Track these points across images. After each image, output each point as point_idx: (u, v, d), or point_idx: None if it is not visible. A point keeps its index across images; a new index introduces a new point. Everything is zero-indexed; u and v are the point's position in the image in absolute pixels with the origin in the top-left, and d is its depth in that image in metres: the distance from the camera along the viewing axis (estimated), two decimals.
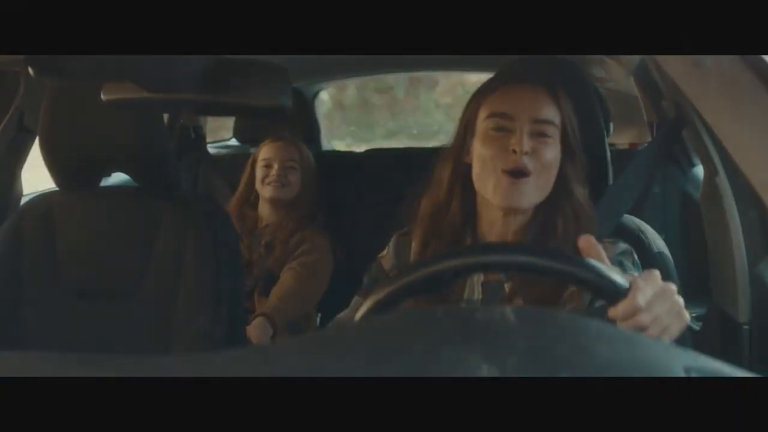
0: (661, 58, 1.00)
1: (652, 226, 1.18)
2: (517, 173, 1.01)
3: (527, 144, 1.01)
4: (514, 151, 1.01)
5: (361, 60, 2.38)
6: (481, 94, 1.09)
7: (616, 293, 0.78)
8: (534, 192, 1.03)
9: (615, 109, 2.15)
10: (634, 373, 0.43)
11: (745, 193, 1.07)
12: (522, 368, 0.41)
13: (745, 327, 1.11)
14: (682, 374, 0.43)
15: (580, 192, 1.06)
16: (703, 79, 0.93)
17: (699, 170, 1.42)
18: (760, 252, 1.11)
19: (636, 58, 1.65)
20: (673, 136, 1.27)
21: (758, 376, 0.46)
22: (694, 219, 1.35)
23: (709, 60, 0.82)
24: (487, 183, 1.04)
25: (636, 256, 1.04)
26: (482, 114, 1.06)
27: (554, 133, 1.04)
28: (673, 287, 0.81)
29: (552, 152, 1.04)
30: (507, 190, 1.02)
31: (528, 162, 1.01)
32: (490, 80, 1.10)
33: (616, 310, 0.77)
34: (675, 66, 1.00)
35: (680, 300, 0.81)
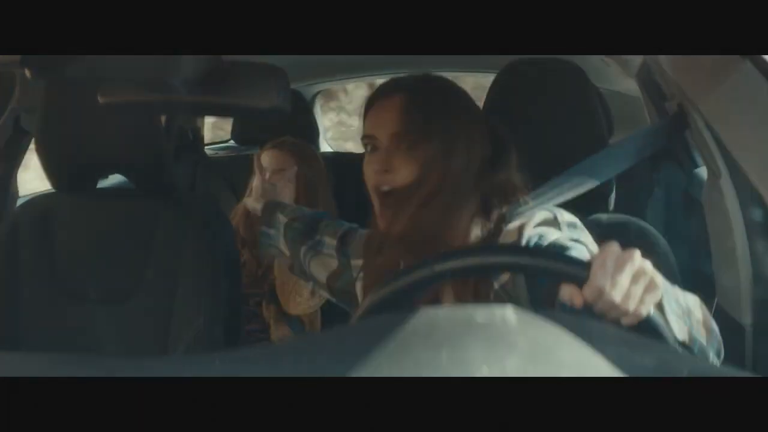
0: (664, 60, 1.00)
1: (656, 228, 1.17)
2: (382, 193, 1.02)
3: (386, 162, 1.01)
4: (376, 171, 1.02)
5: (361, 61, 2.37)
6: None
7: (578, 276, 0.75)
8: (403, 206, 1.01)
9: (618, 110, 2.15)
10: (639, 375, 0.43)
11: (749, 194, 1.07)
12: (522, 369, 0.41)
13: (749, 329, 1.10)
14: (686, 375, 0.43)
15: (456, 203, 1.01)
16: (706, 81, 0.92)
17: (702, 172, 1.41)
18: (763, 254, 1.11)
19: (639, 60, 1.64)
20: (675, 126, 1.25)
21: (762, 377, 0.46)
22: (698, 221, 1.34)
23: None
24: None
25: (562, 219, 0.99)
26: None
27: (414, 142, 1.00)
28: (636, 252, 0.76)
29: (413, 165, 1.00)
30: (377, 209, 1.04)
31: (387, 179, 1.01)
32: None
33: (585, 293, 0.75)
34: (678, 67, 1.00)
35: (647, 265, 0.76)
